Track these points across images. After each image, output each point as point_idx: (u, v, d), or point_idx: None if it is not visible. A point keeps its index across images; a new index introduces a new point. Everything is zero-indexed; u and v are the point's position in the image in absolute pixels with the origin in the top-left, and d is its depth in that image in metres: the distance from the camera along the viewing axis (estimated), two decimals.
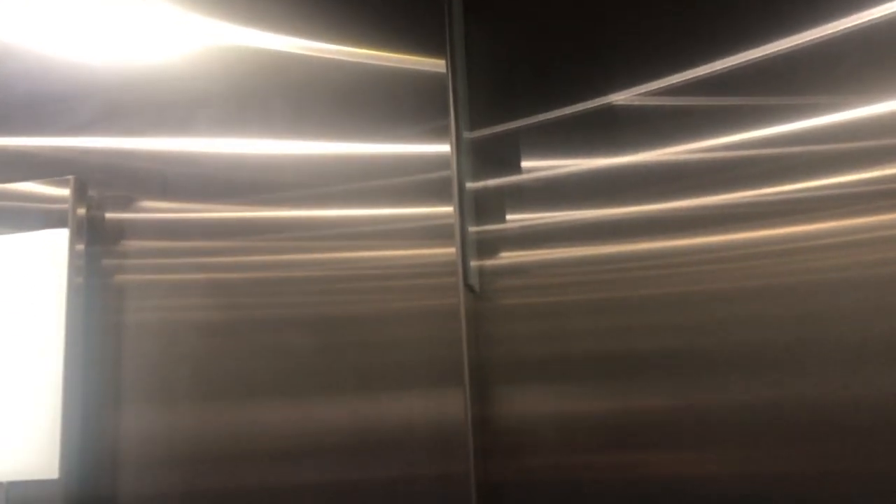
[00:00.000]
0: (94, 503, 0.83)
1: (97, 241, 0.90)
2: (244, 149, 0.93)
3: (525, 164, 0.97)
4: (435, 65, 0.91)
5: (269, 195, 0.91)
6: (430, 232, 0.89)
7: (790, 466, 0.81)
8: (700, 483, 0.83)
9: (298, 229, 0.90)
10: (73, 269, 0.84)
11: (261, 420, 0.85)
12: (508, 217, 0.96)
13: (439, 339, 0.86)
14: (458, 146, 0.92)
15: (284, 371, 0.86)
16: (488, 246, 0.96)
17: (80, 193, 0.87)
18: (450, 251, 0.88)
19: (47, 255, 0.84)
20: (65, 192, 0.86)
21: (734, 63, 0.91)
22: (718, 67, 0.92)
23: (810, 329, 0.83)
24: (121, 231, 0.91)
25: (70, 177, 0.87)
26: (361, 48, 0.93)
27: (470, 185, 0.96)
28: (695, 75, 0.93)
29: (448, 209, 0.89)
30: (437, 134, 0.91)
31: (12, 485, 0.77)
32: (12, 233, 0.86)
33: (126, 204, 0.91)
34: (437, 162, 0.90)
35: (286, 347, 0.87)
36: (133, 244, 0.91)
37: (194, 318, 0.88)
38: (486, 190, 0.98)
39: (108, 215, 0.91)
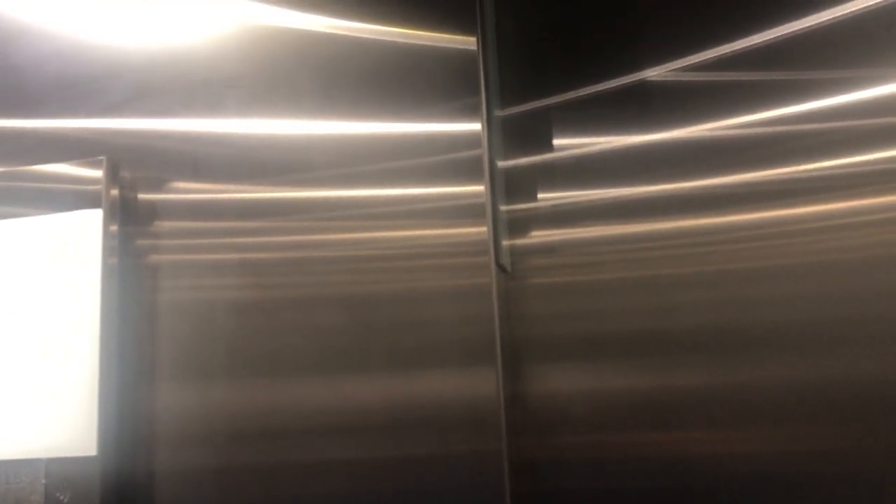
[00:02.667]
0: (131, 479, 0.84)
1: (130, 221, 0.90)
2: (273, 129, 0.93)
3: (556, 141, 0.96)
4: (465, 42, 0.90)
5: (298, 175, 0.91)
6: (461, 211, 0.88)
7: (827, 445, 0.80)
8: (734, 461, 0.83)
9: (329, 209, 0.90)
10: (108, 249, 0.84)
11: (294, 397, 0.86)
12: (540, 196, 0.95)
13: (471, 318, 0.85)
14: (489, 124, 0.91)
15: (317, 349, 0.87)
16: (520, 225, 0.95)
17: (112, 174, 0.87)
18: (481, 230, 0.87)
19: (82, 235, 0.85)
20: (97, 173, 0.87)
21: (770, 37, 0.89)
22: (754, 41, 0.90)
23: (848, 308, 0.81)
24: (154, 212, 0.91)
25: (102, 157, 0.87)
26: (391, 26, 0.92)
27: (501, 163, 0.96)
28: (730, 50, 0.91)
29: (479, 188, 0.88)
30: (468, 112, 0.90)
31: (52, 461, 0.79)
32: (47, 213, 0.87)
33: (158, 185, 0.92)
34: (468, 140, 0.89)
35: (319, 326, 0.87)
36: (166, 225, 0.91)
37: (227, 298, 0.88)
38: (517, 168, 0.97)
39: (141, 196, 0.91)
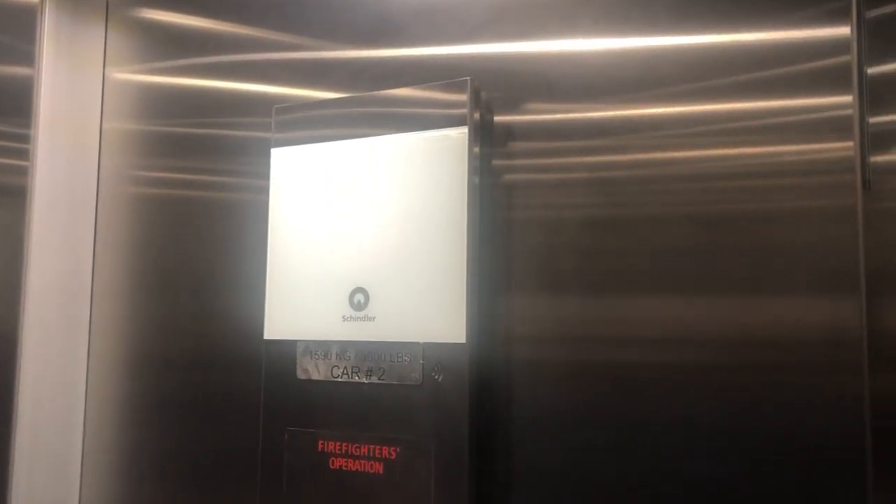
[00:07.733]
0: (493, 366, 0.93)
1: (488, 142, 0.96)
2: (626, 45, 0.92)
3: None
4: None
5: (650, 92, 0.90)
6: (824, 125, 0.82)
7: None
8: None
9: (681, 125, 0.88)
10: (472, 169, 0.91)
11: (640, 310, 0.88)
12: None
13: (832, 243, 0.80)
14: (859, 27, 0.82)
15: (663, 267, 0.87)
16: (885, 140, 0.86)
17: (475, 96, 0.93)
18: (846, 145, 0.81)
19: (449, 150, 0.92)
20: (457, 96, 0.93)
21: None
22: None
23: None
24: (509, 133, 0.96)
25: (466, 79, 0.93)
26: None
27: (871, 70, 0.86)
28: None
29: (845, 98, 0.81)
30: (835, 15, 0.81)
31: (428, 345, 0.90)
32: (417, 131, 0.95)
33: (513, 106, 0.96)
34: (835, 46, 0.82)
35: (666, 244, 0.87)
36: (520, 145, 0.96)
37: (577, 215, 0.92)
38: (887, 76, 0.86)
39: (497, 118, 0.97)
